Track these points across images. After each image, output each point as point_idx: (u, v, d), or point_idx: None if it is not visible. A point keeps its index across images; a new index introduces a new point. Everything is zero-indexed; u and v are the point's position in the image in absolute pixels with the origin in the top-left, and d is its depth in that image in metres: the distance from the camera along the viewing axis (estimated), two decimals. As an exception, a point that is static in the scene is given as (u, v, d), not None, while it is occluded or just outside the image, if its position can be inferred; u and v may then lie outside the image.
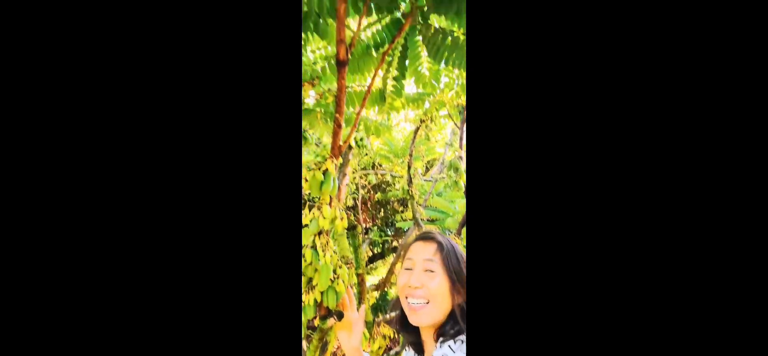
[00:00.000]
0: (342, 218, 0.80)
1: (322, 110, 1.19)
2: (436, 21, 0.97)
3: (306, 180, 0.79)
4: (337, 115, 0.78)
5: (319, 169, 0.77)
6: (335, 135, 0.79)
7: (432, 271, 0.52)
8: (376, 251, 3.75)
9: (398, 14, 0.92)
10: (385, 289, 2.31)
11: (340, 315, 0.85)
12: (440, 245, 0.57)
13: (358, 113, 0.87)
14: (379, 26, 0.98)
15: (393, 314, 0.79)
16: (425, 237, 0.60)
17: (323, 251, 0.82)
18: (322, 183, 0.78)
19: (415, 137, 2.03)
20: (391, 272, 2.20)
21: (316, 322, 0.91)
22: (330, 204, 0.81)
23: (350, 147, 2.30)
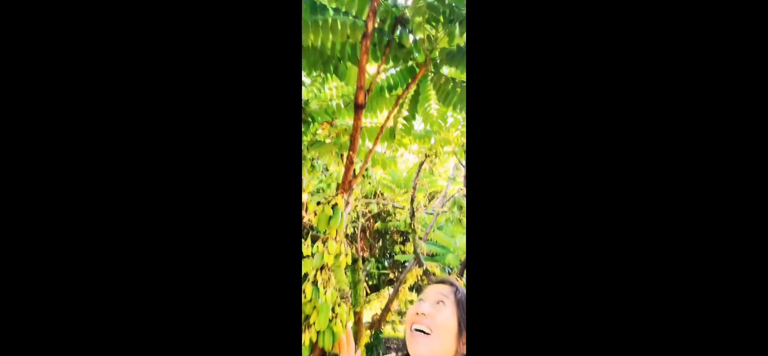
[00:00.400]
0: (346, 254, 0.79)
1: (333, 142, 1.23)
2: (447, 70, 1.04)
3: (315, 214, 0.79)
4: (351, 152, 0.80)
5: (329, 203, 0.78)
6: (347, 170, 0.81)
7: (443, 303, 0.51)
8: (371, 284, 3.61)
9: (413, 64, 0.99)
10: (380, 328, 2.18)
11: (337, 360, 0.80)
12: (457, 288, 0.56)
13: (371, 150, 0.90)
14: (393, 71, 1.05)
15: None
16: (444, 281, 0.59)
17: (324, 288, 0.80)
18: (330, 218, 0.78)
19: (419, 171, 2.07)
20: (387, 309, 2.10)
21: (310, 364, 0.86)
22: (336, 239, 0.81)
23: (355, 175, 2.34)
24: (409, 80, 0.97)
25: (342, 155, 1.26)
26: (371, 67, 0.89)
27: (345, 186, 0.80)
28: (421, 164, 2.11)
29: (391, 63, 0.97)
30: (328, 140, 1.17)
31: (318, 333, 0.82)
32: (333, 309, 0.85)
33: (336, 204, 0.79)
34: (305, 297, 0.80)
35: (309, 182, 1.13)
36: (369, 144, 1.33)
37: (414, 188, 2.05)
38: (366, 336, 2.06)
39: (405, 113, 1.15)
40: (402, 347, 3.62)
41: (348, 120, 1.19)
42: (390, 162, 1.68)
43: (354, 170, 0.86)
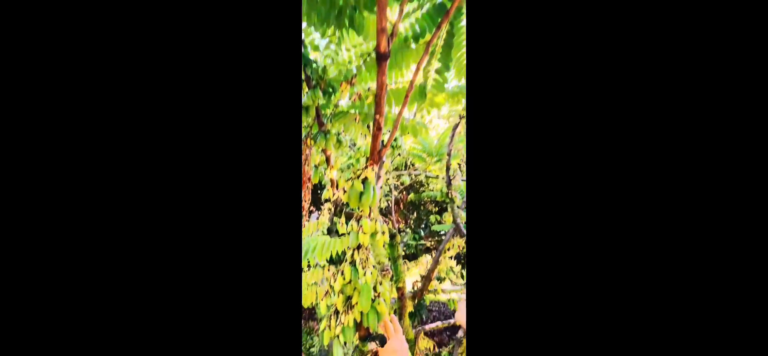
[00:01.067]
0: (384, 232, 0.71)
1: (357, 112, 1.12)
2: (486, 0, 0.83)
3: (344, 191, 0.71)
4: (377, 116, 0.68)
5: (358, 177, 0.69)
6: (375, 139, 0.70)
7: None
8: (409, 253, 3.64)
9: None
10: (422, 297, 2.19)
11: (382, 341, 0.77)
12: None
13: (400, 113, 0.77)
14: (419, 14, 0.87)
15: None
16: None
17: (363, 268, 0.74)
18: (361, 194, 0.70)
19: (454, 134, 1.87)
20: (428, 278, 2.07)
21: (356, 342, 0.84)
22: (370, 215, 0.73)
23: (384, 145, 2.23)
24: (440, 20, 0.79)
25: (369, 126, 1.15)
26: (392, 13, 0.73)
27: (374, 158, 0.70)
28: (456, 126, 1.90)
29: (415, 2, 0.79)
30: (344, 106, 1.07)
31: (362, 314, 0.78)
32: (374, 288, 0.80)
33: (366, 178, 0.69)
34: (344, 279, 0.76)
35: (337, 158, 1.05)
36: (395, 110, 1.19)
37: (448, 155, 1.87)
38: (410, 306, 2.09)
39: (436, 64, 0.97)
40: (444, 310, 3.69)
41: (370, 83, 1.06)
42: (420, 129, 1.53)
43: (382, 140, 0.75)
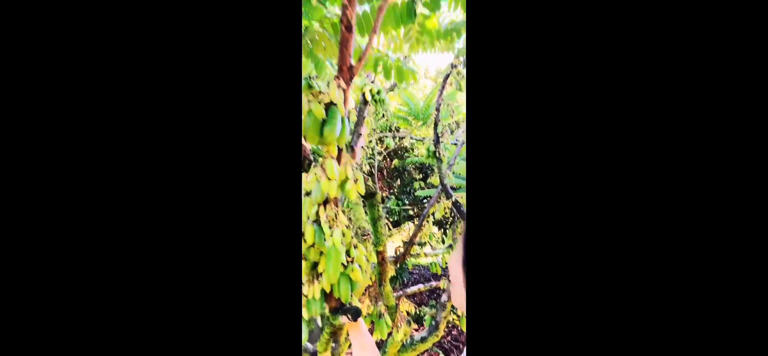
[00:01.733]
0: (356, 180, 0.52)
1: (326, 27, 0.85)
2: None
3: (303, 124, 0.50)
4: (348, 8, 0.46)
5: (318, 100, 0.47)
6: (344, 44, 0.48)
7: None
8: (393, 220, 3.58)
9: None
10: (404, 261, 2.13)
11: (355, 314, 0.62)
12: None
13: (377, 19, 0.54)
14: None
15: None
16: None
17: (330, 227, 0.56)
18: (324, 124, 0.49)
19: (444, 85, 1.65)
20: (411, 242, 1.99)
21: (326, 314, 0.70)
22: (339, 159, 0.54)
23: (366, 102, 1.97)
24: None
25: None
26: None
27: (344, 73, 0.48)
28: (447, 76, 1.68)
29: None
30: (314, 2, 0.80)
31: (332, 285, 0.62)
32: (348, 253, 0.64)
33: (332, 103, 0.48)
34: (305, 243, 0.58)
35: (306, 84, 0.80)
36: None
37: (437, 110, 1.67)
38: (392, 270, 2.02)
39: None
40: (425, 274, 3.77)
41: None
42: (407, 74, 1.30)
43: (359, 54, 0.52)
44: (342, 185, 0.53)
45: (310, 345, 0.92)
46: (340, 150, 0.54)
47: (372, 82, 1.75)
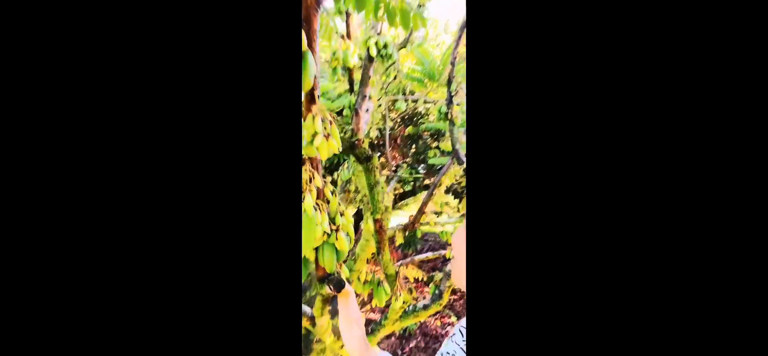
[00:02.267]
0: (327, 135, 0.43)
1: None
2: None
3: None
4: None
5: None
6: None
7: None
8: (406, 189, 3.50)
9: None
10: (415, 228, 2.09)
11: (339, 285, 0.57)
12: None
13: None
14: None
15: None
16: None
17: (305, 191, 0.49)
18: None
19: (460, 38, 1.43)
20: (421, 211, 1.92)
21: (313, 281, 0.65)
22: (309, 107, 0.44)
23: (371, 59, 1.78)
24: None
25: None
26: None
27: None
28: (464, 27, 1.45)
29: None
30: None
31: (316, 250, 0.57)
32: (334, 221, 0.57)
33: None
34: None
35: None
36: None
37: (452, 64, 1.47)
38: (400, 238, 1.99)
39: None
40: (437, 241, 3.76)
41: None
42: (416, 19, 1.11)
43: None
44: (311, 138, 0.44)
45: (308, 309, 0.91)
46: (312, 95, 0.44)
47: (378, 34, 1.55)
